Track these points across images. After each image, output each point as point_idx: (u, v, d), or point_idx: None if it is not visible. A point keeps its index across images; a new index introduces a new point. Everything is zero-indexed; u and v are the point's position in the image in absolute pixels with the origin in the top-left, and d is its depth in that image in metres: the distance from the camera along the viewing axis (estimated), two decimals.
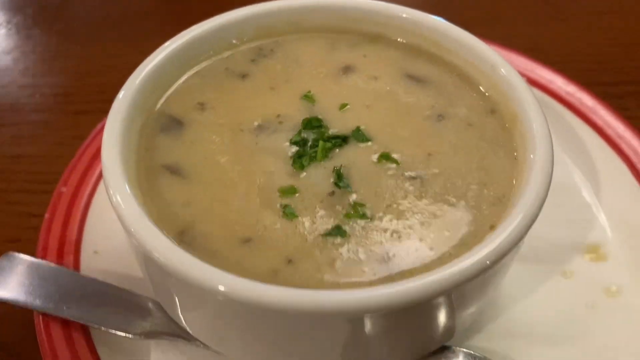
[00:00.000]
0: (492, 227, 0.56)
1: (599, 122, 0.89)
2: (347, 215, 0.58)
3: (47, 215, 0.77)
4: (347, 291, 0.49)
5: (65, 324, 0.67)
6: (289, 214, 0.58)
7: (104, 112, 0.89)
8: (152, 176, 0.62)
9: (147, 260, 0.54)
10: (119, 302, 0.68)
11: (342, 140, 0.65)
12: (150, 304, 0.67)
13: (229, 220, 0.58)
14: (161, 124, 0.66)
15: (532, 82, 0.95)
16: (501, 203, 0.59)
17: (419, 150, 0.64)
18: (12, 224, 0.86)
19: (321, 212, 0.59)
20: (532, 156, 0.59)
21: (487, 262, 0.51)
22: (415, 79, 0.72)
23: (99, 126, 0.86)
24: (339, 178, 0.61)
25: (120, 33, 1.19)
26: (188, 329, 0.62)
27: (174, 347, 0.65)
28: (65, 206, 0.78)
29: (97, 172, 0.82)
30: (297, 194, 0.60)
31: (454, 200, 0.60)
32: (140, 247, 0.53)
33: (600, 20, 1.21)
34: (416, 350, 0.60)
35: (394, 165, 0.63)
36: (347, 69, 0.73)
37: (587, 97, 0.92)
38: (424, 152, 0.64)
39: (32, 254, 0.73)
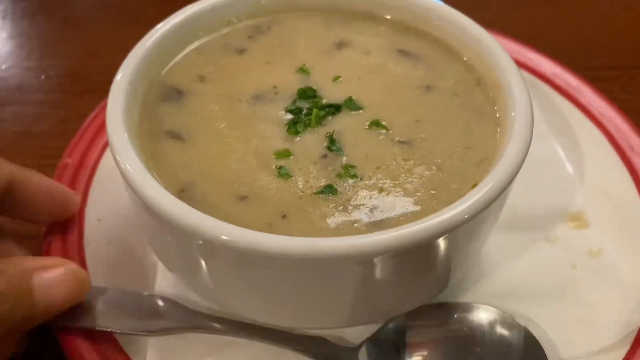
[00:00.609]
0: (474, 186, 0.59)
1: (583, 101, 0.92)
2: (339, 175, 0.62)
3: None
4: (342, 237, 0.52)
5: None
6: (283, 174, 0.61)
7: (106, 91, 0.92)
8: (153, 140, 0.65)
9: (151, 215, 0.57)
10: (135, 305, 0.67)
11: (335, 108, 0.68)
12: (160, 302, 0.67)
13: (226, 180, 0.61)
14: (163, 94, 0.70)
15: (520, 65, 0.98)
16: (483, 164, 0.62)
17: (407, 117, 0.68)
18: None
19: (314, 173, 0.62)
20: (512, 116, 0.62)
21: (466, 216, 0.54)
22: (406, 53, 0.75)
23: (102, 103, 0.89)
24: (332, 142, 0.64)
25: (122, 18, 1.22)
26: (191, 288, 0.66)
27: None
28: (70, 176, 0.81)
29: (100, 145, 0.85)
30: (291, 157, 0.63)
31: (439, 162, 0.63)
32: (144, 203, 0.56)
33: (588, 6, 1.25)
34: (405, 303, 0.63)
35: (383, 131, 0.66)
36: (340, 45, 0.76)
37: (572, 78, 0.96)
38: (412, 120, 0.67)
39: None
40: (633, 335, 0.67)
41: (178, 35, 0.74)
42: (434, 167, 0.63)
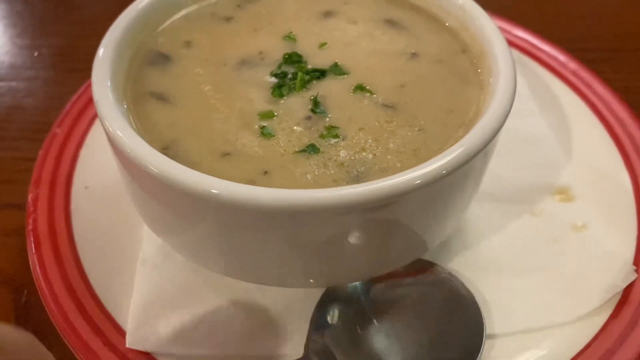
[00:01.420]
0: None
1: (571, 78, 0.93)
2: (321, 136, 0.62)
3: (41, 152, 0.81)
4: (321, 189, 0.52)
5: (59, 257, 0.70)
6: (266, 133, 0.62)
7: None
8: (139, 102, 0.65)
9: (136, 171, 0.57)
10: None
11: (320, 73, 0.69)
12: None
13: (210, 138, 0.62)
14: (149, 58, 0.70)
15: (509, 42, 0.98)
16: (465, 125, 0.63)
17: (392, 82, 0.68)
18: (8, 167, 0.89)
19: (297, 133, 0.62)
20: (495, 79, 0.63)
21: (443, 171, 0.54)
22: (392, 23, 0.76)
23: (89, 81, 0.90)
24: (316, 105, 0.65)
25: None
26: (176, 249, 0.66)
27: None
28: (59, 145, 0.82)
29: (88, 118, 0.87)
30: (275, 118, 0.64)
31: (422, 123, 0.63)
32: (129, 159, 0.56)
33: None
34: (383, 262, 0.63)
35: (368, 95, 0.66)
36: (328, 14, 0.77)
37: (560, 55, 0.96)
38: (397, 85, 0.68)
39: (25, 192, 0.77)
40: (616, 300, 0.67)
41: (166, 3, 0.74)
42: (416, 129, 0.63)
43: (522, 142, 0.86)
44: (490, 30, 0.69)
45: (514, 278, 0.72)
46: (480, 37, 0.69)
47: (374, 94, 0.67)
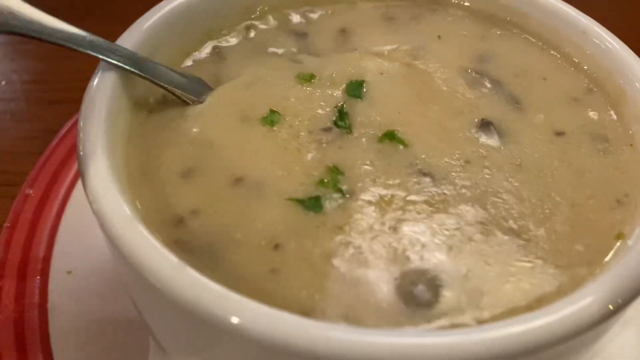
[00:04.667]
0: (620, 236, 0.42)
1: None
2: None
3: (7, 224, 0.65)
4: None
5: None
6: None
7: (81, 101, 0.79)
8: None
9: (140, 283, 0.41)
10: None
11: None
12: None
13: None
14: None
15: None
16: (622, 205, 0.45)
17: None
18: None
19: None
20: None
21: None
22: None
23: (75, 116, 0.76)
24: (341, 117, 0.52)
25: (103, 13, 1.08)
26: None
27: None
28: (32, 213, 0.67)
29: (73, 171, 0.71)
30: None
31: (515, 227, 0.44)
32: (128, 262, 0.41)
33: None
34: None
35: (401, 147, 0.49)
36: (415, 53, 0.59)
37: None
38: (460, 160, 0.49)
39: None
40: None
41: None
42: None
43: None
44: (627, 62, 0.52)
45: None
46: (614, 71, 0.52)
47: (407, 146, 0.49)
